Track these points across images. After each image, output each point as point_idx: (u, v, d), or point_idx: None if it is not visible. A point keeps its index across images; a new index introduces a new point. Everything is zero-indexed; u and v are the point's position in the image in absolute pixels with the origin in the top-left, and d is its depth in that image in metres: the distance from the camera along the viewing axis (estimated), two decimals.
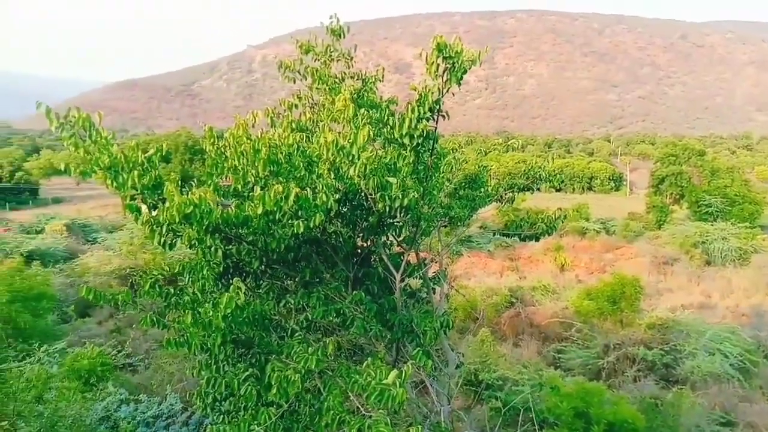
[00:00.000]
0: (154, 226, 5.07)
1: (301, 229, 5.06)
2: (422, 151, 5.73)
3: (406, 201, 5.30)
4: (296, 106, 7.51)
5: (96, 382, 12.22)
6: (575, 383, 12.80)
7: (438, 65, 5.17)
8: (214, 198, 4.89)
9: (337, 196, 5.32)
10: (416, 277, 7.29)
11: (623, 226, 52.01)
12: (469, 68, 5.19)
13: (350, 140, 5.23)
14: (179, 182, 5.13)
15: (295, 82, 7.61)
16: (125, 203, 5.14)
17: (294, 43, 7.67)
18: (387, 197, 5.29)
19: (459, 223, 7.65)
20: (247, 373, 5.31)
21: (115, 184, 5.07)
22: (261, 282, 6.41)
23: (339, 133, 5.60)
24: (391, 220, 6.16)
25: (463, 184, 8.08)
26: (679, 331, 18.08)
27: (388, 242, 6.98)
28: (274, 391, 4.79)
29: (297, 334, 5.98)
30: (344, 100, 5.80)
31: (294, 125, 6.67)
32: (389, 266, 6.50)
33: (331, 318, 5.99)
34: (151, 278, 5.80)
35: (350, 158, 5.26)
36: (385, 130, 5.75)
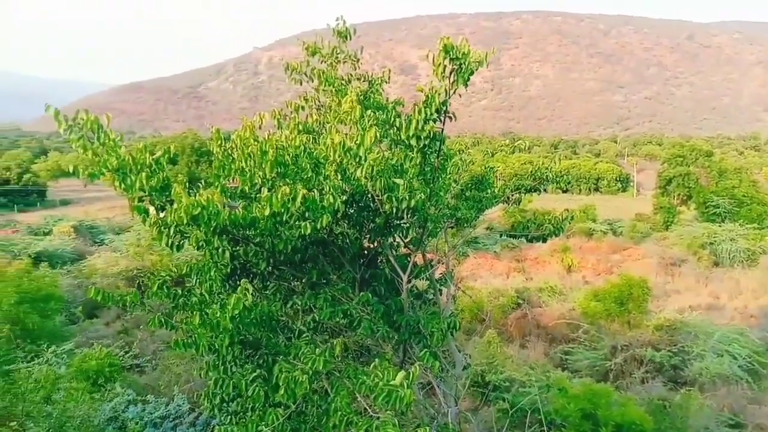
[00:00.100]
0: (162, 228, 5.10)
1: (308, 231, 5.07)
2: (429, 152, 5.73)
3: (413, 202, 5.31)
4: (303, 108, 7.54)
5: (104, 382, 12.27)
6: (582, 385, 12.76)
7: (445, 66, 5.17)
8: (222, 199, 4.91)
9: (344, 198, 5.33)
10: (423, 278, 7.29)
11: (630, 227, 51.77)
12: (476, 69, 5.19)
13: (357, 142, 5.24)
14: (187, 184, 5.16)
15: (301, 84, 7.64)
16: (133, 205, 5.16)
17: (300, 45, 7.69)
18: (394, 198, 5.30)
19: (465, 225, 7.65)
20: (254, 374, 5.33)
21: (123, 186, 5.09)
22: (268, 283, 6.42)
23: (346, 134, 5.60)
24: (398, 222, 6.16)
25: (470, 185, 8.08)
26: (687, 332, 17.98)
27: (395, 243, 6.98)
28: (281, 392, 4.80)
29: (304, 335, 5.99)
30: (351, 101, 5.81)
31: (301, 127, 6.69)
32: (396, 267, 6.50)
33: (338, 319, 5.99)
34: (159, 279, 5.83)
35: (357, 160, 5.27)
36: (391, 131, 5.76)
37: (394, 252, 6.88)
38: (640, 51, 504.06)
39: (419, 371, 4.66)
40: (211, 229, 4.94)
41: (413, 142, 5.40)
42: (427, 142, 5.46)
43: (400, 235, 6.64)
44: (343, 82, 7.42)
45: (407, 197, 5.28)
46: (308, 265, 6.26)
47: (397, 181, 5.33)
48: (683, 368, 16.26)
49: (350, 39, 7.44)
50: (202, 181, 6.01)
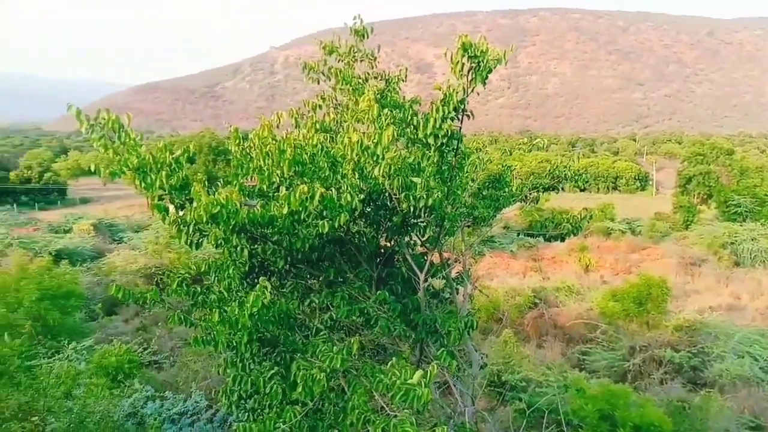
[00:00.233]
0: (181, 226, 5.15)
1: (326, 229, 5.09)
2: (446, 150, 5.72)
3: (430, 201, 5.29)
4: (320, 106, 7.56)
5: (123, 379, 12.42)
6: (600, 385, 12.66)
7: (463, 65, 5.15)
8: (240, 198, 4.95)
9: (362, 196, 5.33)
10: (439, 277, 7.27)
11: (649, 227, 51.21)
12: (495, 67, 5.16)
13: (375, 140, 5.24)
14: (206, 183, 5.20)
15: (318, 83, 7.66)
16: (153, 203, 5.21)
17: (318, 44, 7.72)
18: (411, 197, 5.29)
19: (482, 223, 7.62)
20: (272, 371, 5.35)
21: (143, 184, 5.15)
22: (285, 281, 6.45)
23: (363, 133, 5.61)
24: (415, 220, 6.16)
25: (487, 183, 8.05)
26: (707, 333, 17.76)
27: (412, 242, 6.98)
28: (299, 389, 4.82)
29: (321, 333, 6.00)
30: (369, 100, 5.80)
31: (318, 126, 6.71)
32: (413, 266, 6.50)
33: (354, 317, 6.00)
34: (178, 277, 5.88)
35: (375, 158, 5.27)
36: (408, 130, 5.75)
37: (410, 251, 6.88)
38: (659, 48, 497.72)
39: (436, 370, 4.65)
40: (230, 227, 4.98)
41: (431, 140, 5.39)
42: (444, 141, 5.44)
43: (417, 233, 6.63)
44: (361, 80, 7.43)
45: (424, 196, 5.27)
46: (325, 264, 6.28)
47: (415, 179, 5.32)
48: (703, 369, 16.06)
49: (368, 38, 7.44)
50: (221, 180, 6.06)
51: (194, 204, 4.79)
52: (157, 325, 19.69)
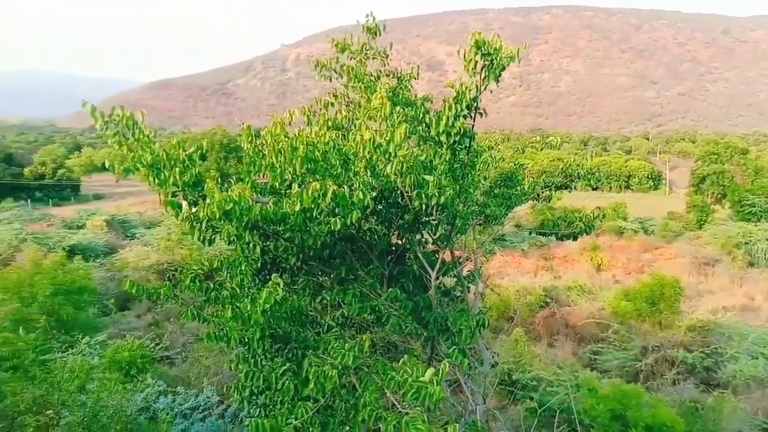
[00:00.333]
0: (194, 222, 5.18)
1: (338, 226, 5.10)
2: (459, 148, 5.70)
3: (442, 199, 5.29)
4: (332, 104, 7.56)
5: (136, 373, 12.53)
6: (612, 385, 12.59)
7: (476, 62, 5.13)
8: (253, 195, 4.97)
9: (374, 194, 5.33)
10: (451, 275, 7.26)
11: (662, 226, 50.77)
12: (508, 65, 5.14)
13: (387, 138, 5.24)
14: (219, 179, 5.23)
15: (330, 81, 7.66)
16: (166, 200, 5.24)
17: (329, 41, 7.71)
18: (423, 195, 5.29)
19: (494, 222, 7.60)
20: (284, 367, 5.38)
21: (157, 181, 5.18)
22: (297, 278, 6.47)
23: (375, 131, 5.61)
24: (427, 218, 6.15)
25: (499, 182, 8.02)
26: (720, 333, 17.61)
27: (423, 240, 6.97)
28: (311, 386, 4.84)
29: (333, 330, 6.02)
30: (381, 98, 5.80)
31: (330, 123, 6.72)
32: (424, 264, 6.49)
33: (366, 315, 6.01)
34: (191, 273, 5.92)
35: (387, 156, 5.28)
36: (420, 127, 5.74)
37: (422, 248, 6.88)
38: (673, 46, 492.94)
39: (448, 368, 4.65)
40: (243, 224, 5.00)
41: (443, 138, 5.38)
42: (456, 139, 5.43)
43: (429, 231, 6.62)
44: (373, 78, 7.42)
45: (436, 194, 5.27)
46: (337, 261, 6.29)
47: (427, 177, 5.31)
48: (716, 370, 15.93)
49: (380, 35, 7.43)
50: (233, 177, 6.09)
51: (207, 201, 4.82)
52: (169, 321, 19.84)
